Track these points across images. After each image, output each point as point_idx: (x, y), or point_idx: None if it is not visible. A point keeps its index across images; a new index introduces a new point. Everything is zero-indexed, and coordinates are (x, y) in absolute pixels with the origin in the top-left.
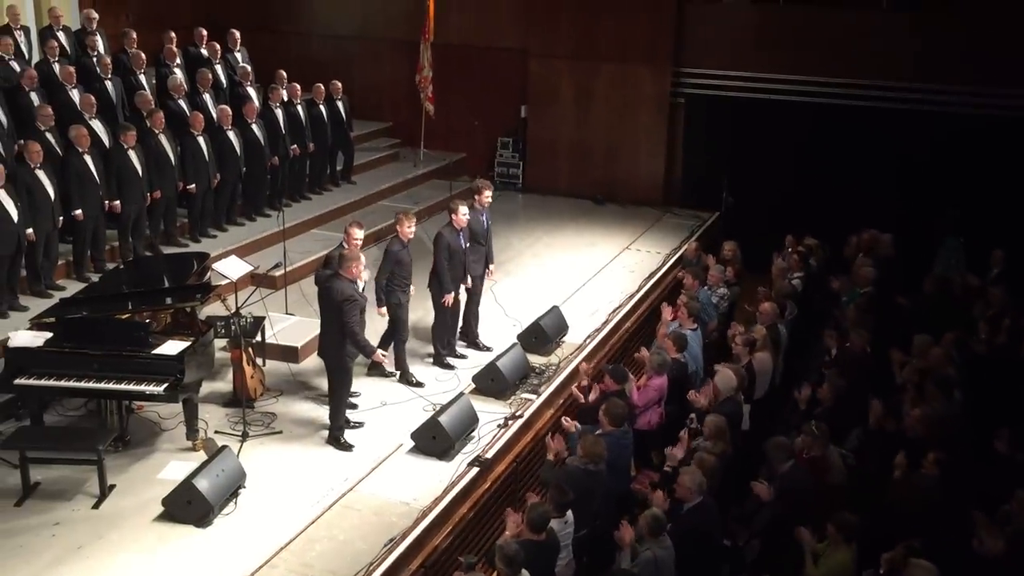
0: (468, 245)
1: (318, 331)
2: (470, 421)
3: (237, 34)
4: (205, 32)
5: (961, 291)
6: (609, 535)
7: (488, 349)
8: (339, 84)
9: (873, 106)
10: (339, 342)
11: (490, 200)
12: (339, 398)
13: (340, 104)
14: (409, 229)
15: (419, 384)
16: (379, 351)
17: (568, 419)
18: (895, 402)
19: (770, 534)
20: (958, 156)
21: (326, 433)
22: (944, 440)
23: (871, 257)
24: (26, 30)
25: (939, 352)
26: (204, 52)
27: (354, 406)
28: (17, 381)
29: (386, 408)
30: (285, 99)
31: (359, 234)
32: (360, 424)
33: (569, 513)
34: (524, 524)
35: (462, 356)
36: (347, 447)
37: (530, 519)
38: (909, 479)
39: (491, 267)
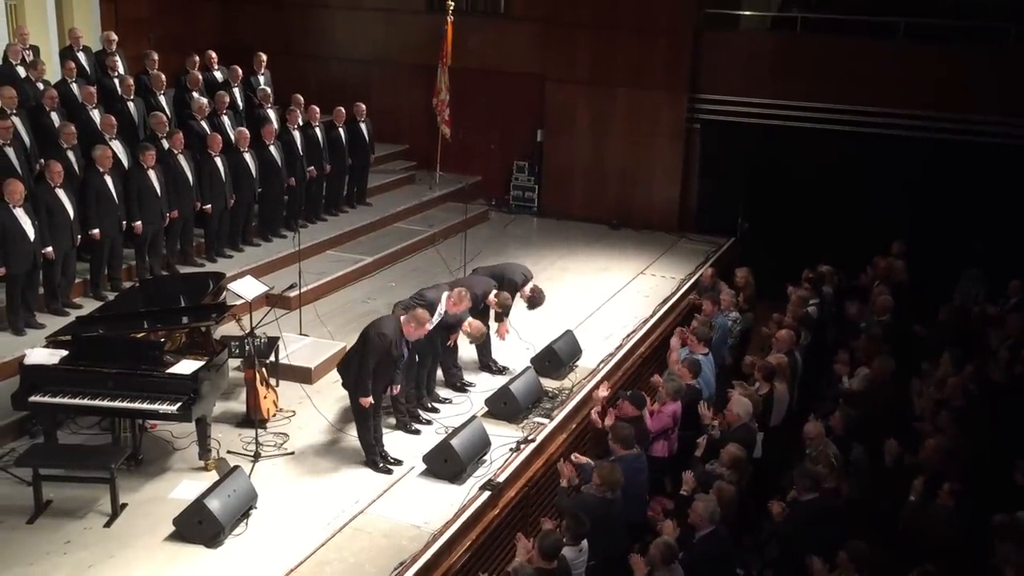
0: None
1: (332, 352)
2: (482, 445)
3: (264, 57)
4: (215, 55)
5: (977, 320)
6: (622, 563)
7: (505, 370)
8: (363, 106)
9: (888, 134)
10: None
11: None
12: (362, 428)
13: (363, 126)
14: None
15: (434, 410)
16: (367, 399)
17: (579, 455)
18: (911, 432)
19: (783, 564)
20: (976, 185)
21: (338, 454)
22: (960, 470)
23: (887, 285)
24: (35, 50)
25: (955, 382)
26: (217, 75)
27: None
28: (32, 398)
29: (397, 430)
30: (302, 122)
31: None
32: (400, 462)
33: (584, 542)
34: (536, 551)
35: (446, 400)
36: (385, 470)
37: (541, 547)
38: (924, 509)
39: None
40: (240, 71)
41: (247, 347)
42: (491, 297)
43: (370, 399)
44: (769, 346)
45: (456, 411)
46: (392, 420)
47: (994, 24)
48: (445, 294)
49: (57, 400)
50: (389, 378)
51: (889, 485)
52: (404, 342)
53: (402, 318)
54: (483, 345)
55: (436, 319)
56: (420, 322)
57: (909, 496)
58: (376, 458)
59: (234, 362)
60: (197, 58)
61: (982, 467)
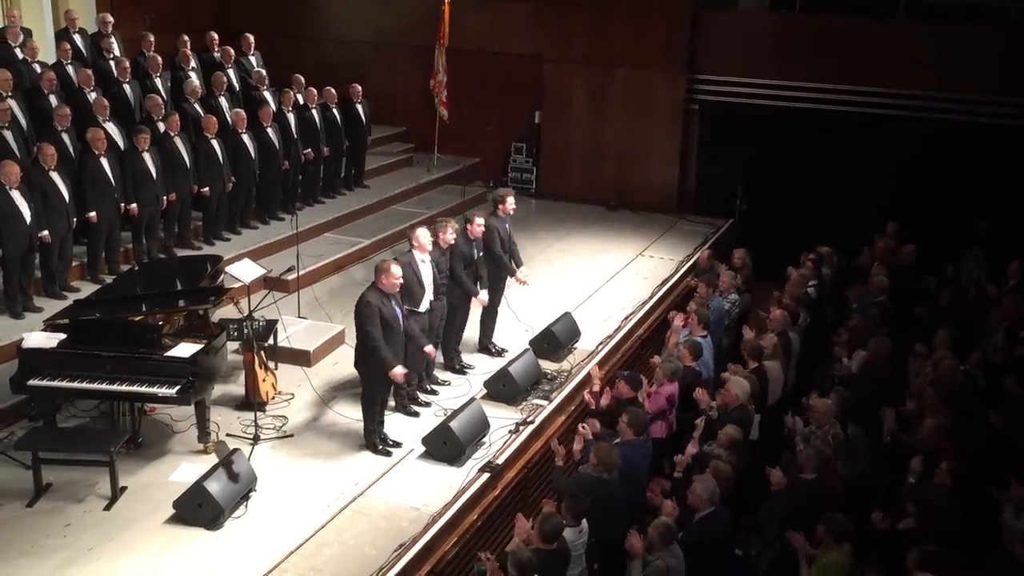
0: (481, 255)
1: (330, 335)
2: (481, 427)
3: (251, 38)
4: (216, 36)
5: (975, 301)
6: (620, 544)
7: (503, 352)
8: (359, 88)
9: (888, 114)
10: (364, 354)
11: (513, 209)
12: (365, 411)
13: (360, 108)
14: (451, 236)
15: (433, 392)
16: (399, 369)
17: (584, 425)
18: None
19: (782, 544)
20: (977, 165)
21: (337, 436)
22: (954, 450)
23: (885, 266)
24: (27, 31)
25: (949, 364)
26: (216, 56)
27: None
28: (30, 382)
29: (397, 412)
30: (301, 103)
31: (423, 236)
32: (399, 444)
33: (584, 522)
34: (536, 533)
35: (445, 382)
36: (384, 453)
37: (542, 531)
38: (922, 488)
39: (521, 271)
40: (233, 52)
41: (245, 330)
42: (472, 226)
43: (402, 368)
44: (765, 327)
45: (455, 393)
46: (391, 402)
47: (995, 3)
48: (418, 231)
49: (55, 384)
50: (399, 352)
51: (885, 465)
52: (392, 299)
53: (376, 281)
54: (484, 327)
55: (427, 259)
56: (384, 270)
57: (907, 476)
58: (375, 440)
59: (232, 345)
60: (187, 37)
61: (978, 447)
